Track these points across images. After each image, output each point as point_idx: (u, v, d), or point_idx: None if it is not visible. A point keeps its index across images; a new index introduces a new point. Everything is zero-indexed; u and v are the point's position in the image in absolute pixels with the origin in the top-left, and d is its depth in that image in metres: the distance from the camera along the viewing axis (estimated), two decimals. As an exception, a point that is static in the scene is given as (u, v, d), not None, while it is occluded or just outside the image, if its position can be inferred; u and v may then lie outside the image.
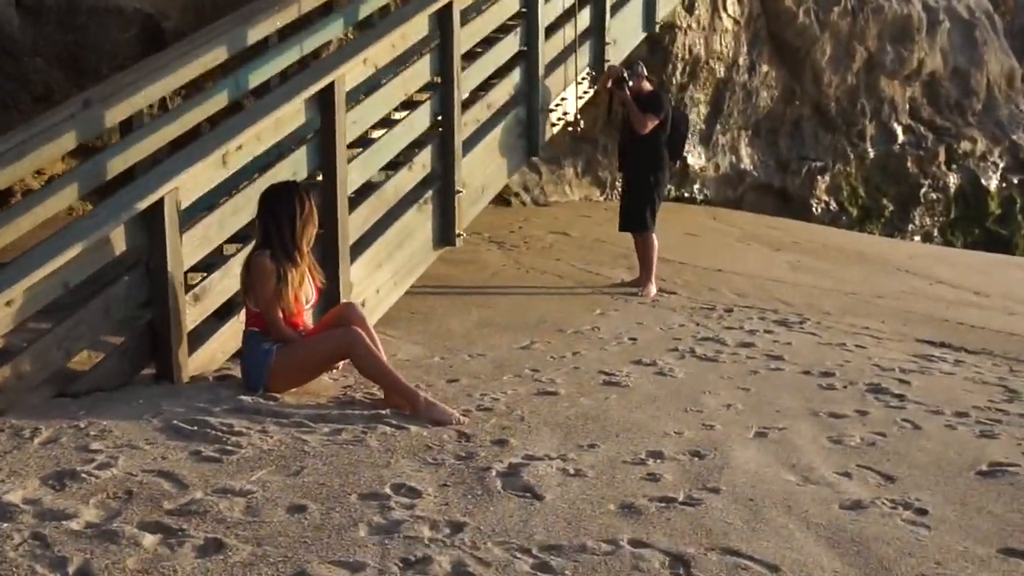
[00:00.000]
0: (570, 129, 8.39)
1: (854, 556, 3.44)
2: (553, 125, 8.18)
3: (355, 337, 4.64)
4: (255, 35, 7.03)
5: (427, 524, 3.45)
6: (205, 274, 5.16)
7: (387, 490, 3.72)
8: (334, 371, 5.02)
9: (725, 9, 14.45)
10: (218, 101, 6.72)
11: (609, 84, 8.15)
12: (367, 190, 6.30)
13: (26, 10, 7.17)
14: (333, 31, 7.64)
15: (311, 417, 4.44)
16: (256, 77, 6.99)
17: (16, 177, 5.60)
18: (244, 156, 5.28)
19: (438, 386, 5.19)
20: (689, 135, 8.35)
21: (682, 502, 3.81)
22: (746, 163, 15.50)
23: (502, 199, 13.15)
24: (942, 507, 3.92)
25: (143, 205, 4.63)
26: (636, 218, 8.24)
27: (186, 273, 5.00)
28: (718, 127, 15.03)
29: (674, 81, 14.10)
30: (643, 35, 9.57)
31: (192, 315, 5.02)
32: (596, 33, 8.60)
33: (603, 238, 10.55)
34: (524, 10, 7.64)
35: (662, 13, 9.79)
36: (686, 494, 3.88)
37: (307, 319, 4.97)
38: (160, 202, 4.69)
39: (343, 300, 5.86)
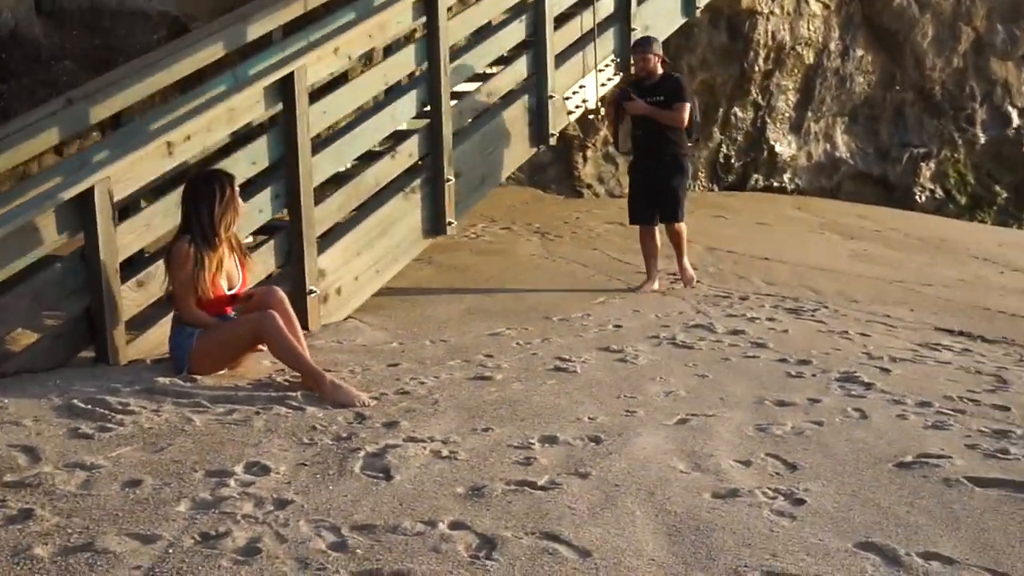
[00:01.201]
0: (590, 117, 8.22)
1: (685, 545, 3.26)
2: (570, 113, 8.05)
3: (268, 320, 4.69)
4: (255, 31, 7.16)
5: (253, 501, 3.46)
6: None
7: (237, 468, 3.74)
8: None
9: (812, -7, 13.95)
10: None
11: (613, 112, 7.69)
12: (346, 178, 6.36)
13: (47, 16, 7.51)
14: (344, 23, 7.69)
15: (215, 398, 4.51)
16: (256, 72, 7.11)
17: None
18: (194, 146, 5.40)
19: (373, 370, 5.19)
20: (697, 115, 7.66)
21: (540, 487, 3.70)
22: (842, 151, 14.92)
23: (574, 190, 13.08)
24: (826, 498, 3.69)
25: (70, 195, 4.79)
26: (672, 208, 7.76)
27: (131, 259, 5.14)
28: (809, 115, 14.53)
29: (756, 68, 13.71)
30: (683, 20, 9.31)
31: (137, 300, 5.17)
32: (621, 19, 8.42)
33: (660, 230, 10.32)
34: (531, -2, 7.56)
35: (705, -3, 9.50)
36: (549, 479, 3.77)
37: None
38: (91, 191, 4.84)
39: (309, 288, 5.94)
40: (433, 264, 8.17)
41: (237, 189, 4.94)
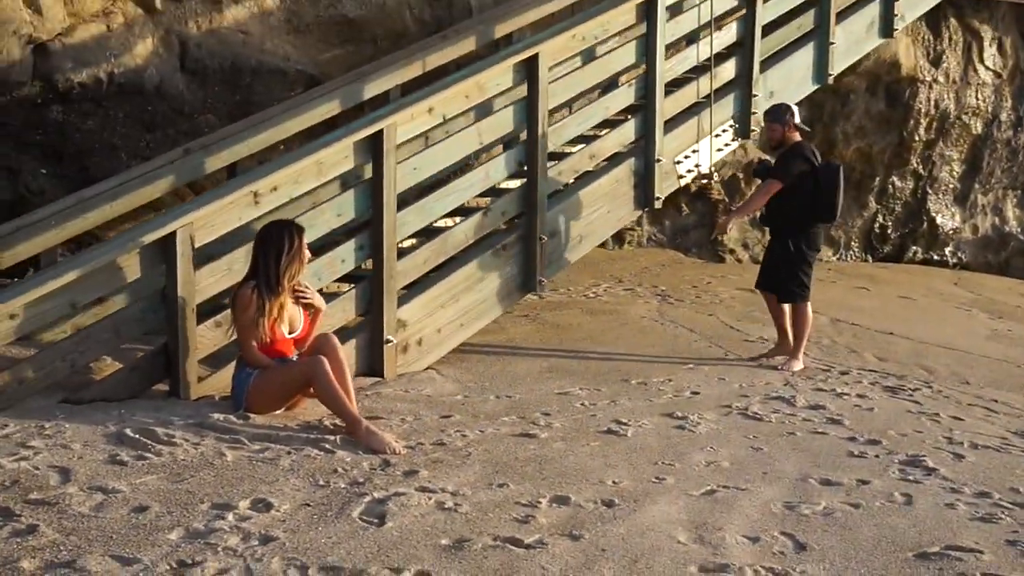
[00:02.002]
0: (704, 182, 8.19)
1: (642, 616, 3.25)
2: (681, 177, 8.05)
3: (317, 364, 4.90)
4: (373, 90, 7.52)
5: (240, 535, 3.64)
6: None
7: (243, 503, 3.93)
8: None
9: (982, 61, 13.43)
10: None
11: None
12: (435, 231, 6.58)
13: (191, 73, 8.11)
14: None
15: (256, 436, 4.74)
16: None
17: (103, 218, 6.30)
18: (280, 197, 5.71)
19: (424, 420, 5.32)
20: (841, 191, 7.15)
21: (525, 544, 3.74)
22: (1012, 226, 14.22)
23: (716, 254, 12.91)
24: (819, 583, 3.58)
25: (151, 237, 5.17)
26: (784, 288, 7.35)
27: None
28: (976, 186, 13.93)
29: (917, 137, 13.26)
30: (813, 87, 9.15)
31: (213, 339, 5.49)
32: (743, 84, 8.37)
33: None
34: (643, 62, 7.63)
35: (840, 65, 9.30)
36: (538, 538, 3.80)
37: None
38: (173, 235, 5.21)
39: (386, 337, 6.16)
40: (537, 321, 8.28)
41: (306, 241, 5.21)
